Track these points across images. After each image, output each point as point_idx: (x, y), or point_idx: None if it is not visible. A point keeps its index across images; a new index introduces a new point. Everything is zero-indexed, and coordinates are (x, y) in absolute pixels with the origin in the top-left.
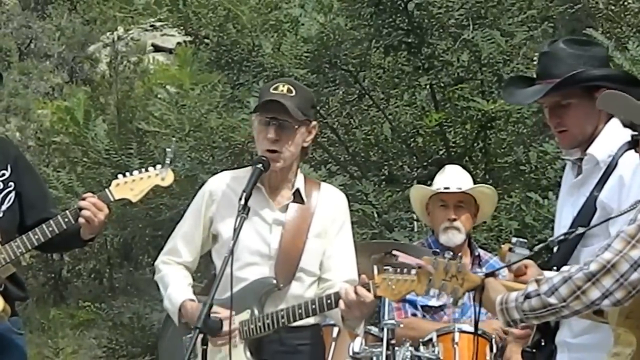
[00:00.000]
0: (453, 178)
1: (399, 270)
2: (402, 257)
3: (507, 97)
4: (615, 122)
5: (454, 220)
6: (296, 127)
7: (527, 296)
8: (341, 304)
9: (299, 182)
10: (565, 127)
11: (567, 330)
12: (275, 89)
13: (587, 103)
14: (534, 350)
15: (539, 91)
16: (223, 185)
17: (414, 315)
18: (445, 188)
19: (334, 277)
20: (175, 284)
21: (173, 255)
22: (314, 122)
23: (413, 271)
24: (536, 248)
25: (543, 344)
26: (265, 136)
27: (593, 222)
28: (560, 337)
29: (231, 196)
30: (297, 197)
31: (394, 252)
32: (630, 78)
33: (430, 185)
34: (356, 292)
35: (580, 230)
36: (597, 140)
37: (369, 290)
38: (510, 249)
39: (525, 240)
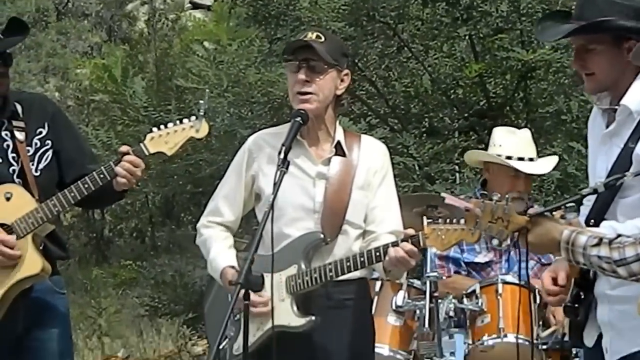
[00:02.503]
0: (525, 146)
1: (448, 220)
2: (449, 199)
3: (537, 32)
4: None
5: (522, 192)
6: (326, 67)
7: (598, 255)
8: (389, 260)
9: (339, 135)
10: (589, 70)
11: (606, 282)
12: (305, 36)
13: (614, 51)
14: (576, 305)
15: (564, 31)
16: (263, 142)
17: (457, 272)
18: (519, 158)
19: (379, 229)
20: (216, 249)
21: (215, 216)
22: (347, 70)
23: (462, 221)
24: (584, 191)
25: (582, 296)
26: (296, 80)
27: (627, 179)
28: (598, 288)
29: (272, 153)
30: (339, 150)
31: (442, 194)
32: None
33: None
34: (404, 250)
35: (629, 175)
36: (630, 90)
37: (418, 242)
38: (562, 216)
39: (574, 206)
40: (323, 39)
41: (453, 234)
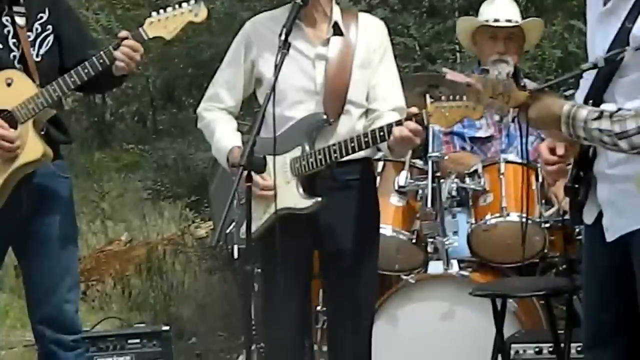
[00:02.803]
0: (502, 9)
1: (451, 97)
2: (450, 75)
3: None
4: None
5: (503, 53)
6: None
7: (599, 129)
8: (393, 139)
9: (337, 15)
10: None
11: (604, 160)
12: None
13: None
14: (576, 185)
15: None
16: (261, 27)
17: (463, 148)
18: (495, 20)
19: (381, 107)
20: (220, 131)
21: (215, 102)
22: None
23: (465, 98)
24: (584, 66)
25: (582, 175)
26: None
27: (627, 55)
28: (597, 167)
29: (271, 37)
30: (337, 30)
31: (444, 69)
32: None
33: (476, 15)
34: (409, 129)
35: (630, 50)
36: None
37: (422, 120)
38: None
39: (573, 94)
40: None
41: (456, 111)
